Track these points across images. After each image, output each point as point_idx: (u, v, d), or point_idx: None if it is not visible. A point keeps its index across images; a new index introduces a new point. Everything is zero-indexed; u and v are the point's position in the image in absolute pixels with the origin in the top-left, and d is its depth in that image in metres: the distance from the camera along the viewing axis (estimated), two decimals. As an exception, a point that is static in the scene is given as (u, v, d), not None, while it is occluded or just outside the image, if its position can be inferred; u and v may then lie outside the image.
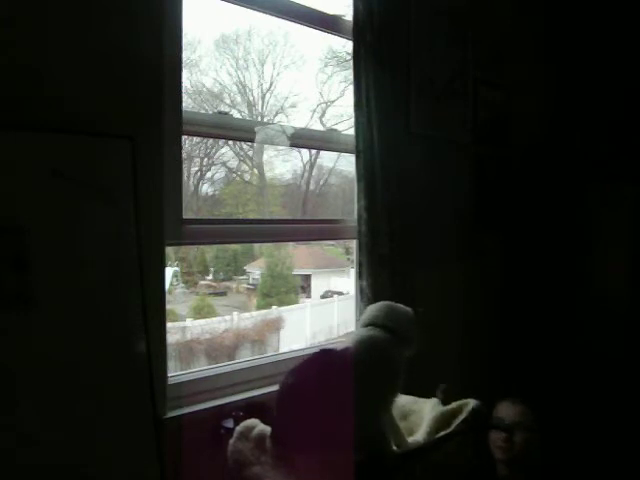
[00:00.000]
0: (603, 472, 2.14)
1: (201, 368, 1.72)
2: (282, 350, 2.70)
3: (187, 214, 1.62)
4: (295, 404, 1.22)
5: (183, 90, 1.56)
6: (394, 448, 1.26)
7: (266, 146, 2.18)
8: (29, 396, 1.18)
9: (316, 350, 1.31)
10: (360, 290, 1.90)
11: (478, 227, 2.53)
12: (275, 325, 2.83)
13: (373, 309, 1.38)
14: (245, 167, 2.65)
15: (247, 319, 2.84)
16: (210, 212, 2.54)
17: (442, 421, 1.38)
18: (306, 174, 2.70)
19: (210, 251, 3.00)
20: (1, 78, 1.18)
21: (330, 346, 1.36)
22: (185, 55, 1.57)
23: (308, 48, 2.23)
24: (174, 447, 1.43)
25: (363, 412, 1.14)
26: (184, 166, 1.62)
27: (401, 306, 1.38)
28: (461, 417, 1.35)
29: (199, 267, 2.93)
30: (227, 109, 2.06)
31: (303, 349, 1.99)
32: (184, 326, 2.61)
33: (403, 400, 1.46)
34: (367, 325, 1.33)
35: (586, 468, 2.10)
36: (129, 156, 1.34)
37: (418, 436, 1.36)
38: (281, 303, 3.00)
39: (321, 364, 1.26)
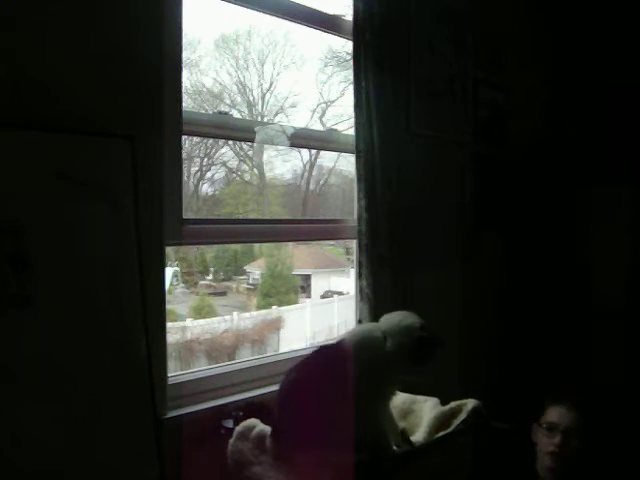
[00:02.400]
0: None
1: (201, 368, 1.71)
2: (282, 350, 2.70)
3: (187, 214, 1.62)
4: (294, 404, 1.22)
5: (183, 90, 1.56)
6: (394, 448, 1.26)
7: (266, 146, 2.18)
8: (29, 396, 1.18)
9: (313, 349, 1.31)
10: (360, 290, 1.90)
11: (478, 227, 2.53)
12: (275, 325, 2.83)
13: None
14: (245, 167, 2.66)
15: (247, 319, 2.84)
16: (210, 212, 2.54)
17: (442, 421, 1.37)
18: (306, 174, 2.70)
19: (210, 251, 3.00)
20: (1, 78, 1.18)
21: (324, 344, 1.35)
22: (185, 55, 1.57)
23: (308, 48, 2.23)
24: (174, 447, 1.42)
25: (361, 411, 1.14)
26: (184, 166, 1.62)
27: (404, 313, 1.35)
28: (461, 417, 1.35)
29: (199, 267, 2.94)
30: (227, 109, 2.06)
31: (303, 349, 1.99)
32: (184, 326, 2.62)
33: (402, 399, 1.46)
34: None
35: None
36: (129, 156, 1.34)
37: (418, 436, 1.36)
38: (281, 303, 3.01)
39: (319, 362, 1.26)
